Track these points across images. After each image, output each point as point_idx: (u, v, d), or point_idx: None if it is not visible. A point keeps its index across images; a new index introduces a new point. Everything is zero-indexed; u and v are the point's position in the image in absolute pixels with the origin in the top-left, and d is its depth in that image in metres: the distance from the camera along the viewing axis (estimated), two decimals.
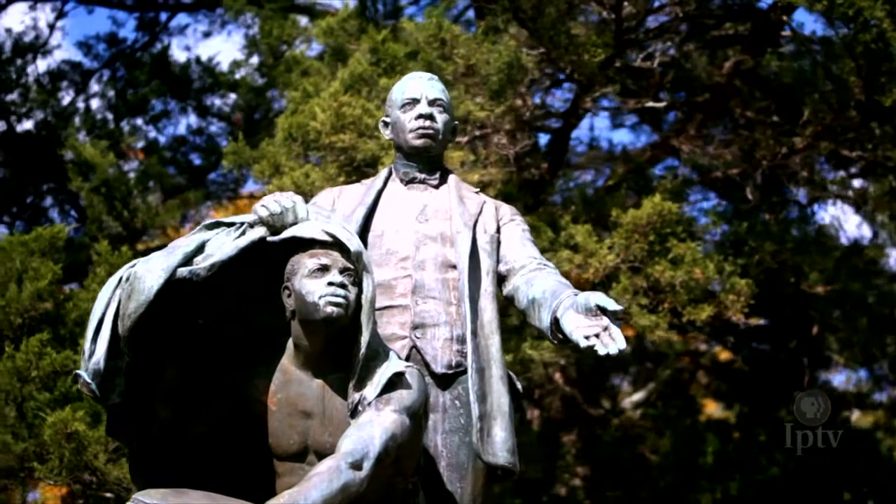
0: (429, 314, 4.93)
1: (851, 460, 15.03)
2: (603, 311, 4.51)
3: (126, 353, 4.29)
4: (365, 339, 4.30)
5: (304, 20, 15.89)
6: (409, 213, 5.14)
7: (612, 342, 4.42)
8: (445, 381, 4.89)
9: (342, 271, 4.33)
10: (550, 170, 12.06)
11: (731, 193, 14.17)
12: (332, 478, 4.01)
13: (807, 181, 13.36)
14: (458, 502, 4.78)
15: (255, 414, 4.44)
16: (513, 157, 11.10)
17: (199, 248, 4.39)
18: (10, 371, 8.91)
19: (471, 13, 14.55)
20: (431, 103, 5.27)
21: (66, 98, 18.29)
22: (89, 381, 4.25)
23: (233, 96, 18.01)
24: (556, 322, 4.69)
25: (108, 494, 8.90)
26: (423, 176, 5.27)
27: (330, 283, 4.29)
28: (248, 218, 4.46)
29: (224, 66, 17.95)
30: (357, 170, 10.05)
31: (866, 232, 15.62)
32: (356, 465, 4.07)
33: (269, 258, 4.43)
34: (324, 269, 4.32)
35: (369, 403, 4.26)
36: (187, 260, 4.32)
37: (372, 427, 4.19)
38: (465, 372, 4.84)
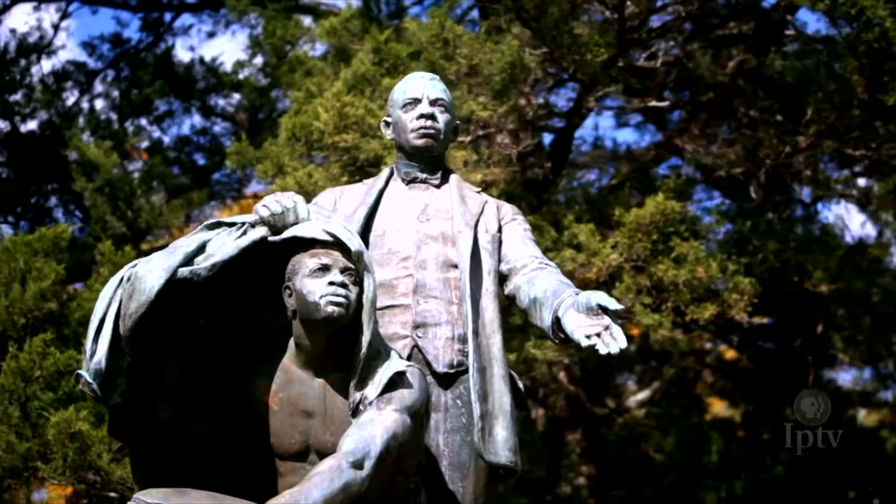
0: (430, 314, 4.94)
1: (856, 459, 15.02)
2: (604, 310, 4.52)
3: (127, 353, 4.29)
4: (366, 338, 4.30)
5: (307, 20, 15.90)
6: (411, 213, 5.15)
7: (614, 341, 4.42)
8: (447, 380, 4.89)
9: (343, 271, 4.34)
10: (554, 169, 12.05)
11: (735, 192, 14.17)
12: (334, 477, 4.02)
13: (810, 180, 13.35)
14: (460, 502, 4.79)
15: (257, 413, 4.45)
16: (516, 156, 11.10)
17: (201, 248, 4.39)
18: (14, 371, 8.92)
19: (475, 13, 14.56)
20: (433, 103, 5.28)
21: (71, 98, 18.31)
22: (90, 380, 4.25)
23: (237, 96, 18.02)
24: (557, 321, 4.70)
25: (112, 494, 8.91)
26: (424, 176, 5.28)
27: (331, 283, 4.30)
28: (249, 218, 4.47)
29: (228, 67, 17.96)
30: (360, 170, 10.06)
31: (870, 231, 15.59)
32: (357, 465, 4.08)
33: (270, 258, 4.44)
34: (325, 268, 4.33)
35: (370, 403, 4.27)
36: (188, 260, 4.33)
37: (373, 426, 4.20)
38: (466, 371, 4.84)
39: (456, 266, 5.00)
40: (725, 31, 13.09)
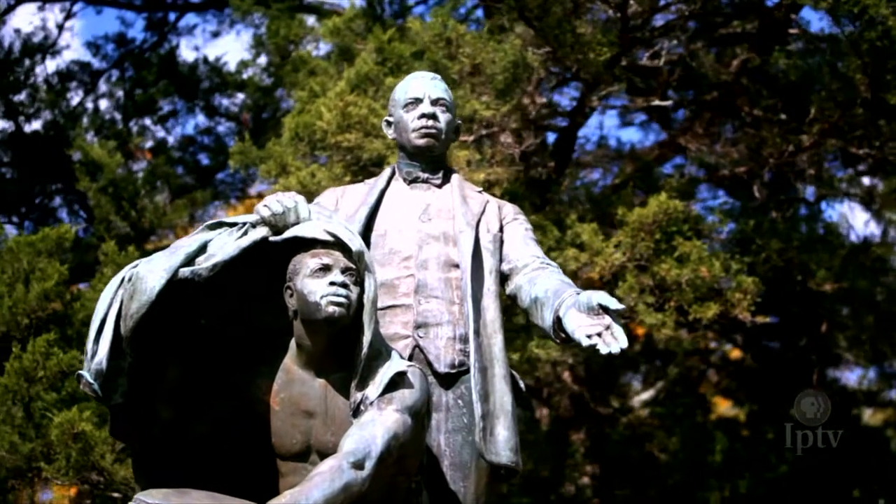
0: (431, 313, 4.94)
1: (861, 458, 15.03)
2: (605, 310, 4.51)
3: (128, 354, 4.30)
4: (367, 338, 4.31)
5: (311, 20, 15.89)
6: (412, 213, 5.15)
7: (615, 341, 4.42)
8: (448, 380, 4.90)
9: (344, 271, 4.35)
10: (557, 169, 12.05)
11: (739, 191, 14.17)
12: (334, 477, 4.03)
13: (814, 179, 13.35)
14: (462, 501, 4.79)
15: (258, 414, 4.45)
16: (519, 156, 11.10)
17: (202, 249, 4.39)
18: (18, 371, 8.92)
19: (480, 12, 14.56)
20: (434, 103, 5.29)
21: (75, 98, 18.31)
22: (92, 381, 4.26)
23: (241, 96, 18.02)
24: (558, 321, 4.70)
25: (116, 494, 8.92)
26: (426, 175, 5.28)
27: (332, 283, 4.30)
28: (250, 218, 4.47)
29: (232, 66, 17.97)
30: (363, 169, 10.06)
31: (874, 229, 15.58)
32: (358, 465, 4.09)
33: (271, 258, 4.44)
34: (325, 268, 4.33)
35: (371, 403, 4.27)
36: (189, 260, 4.33)
37: (374, 426, 4.20)
38: (467, 371, 4.84)
39: (457, 266, 5.00)
40: (729, 30, 13.08)
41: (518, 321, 9.75)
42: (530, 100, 11.33)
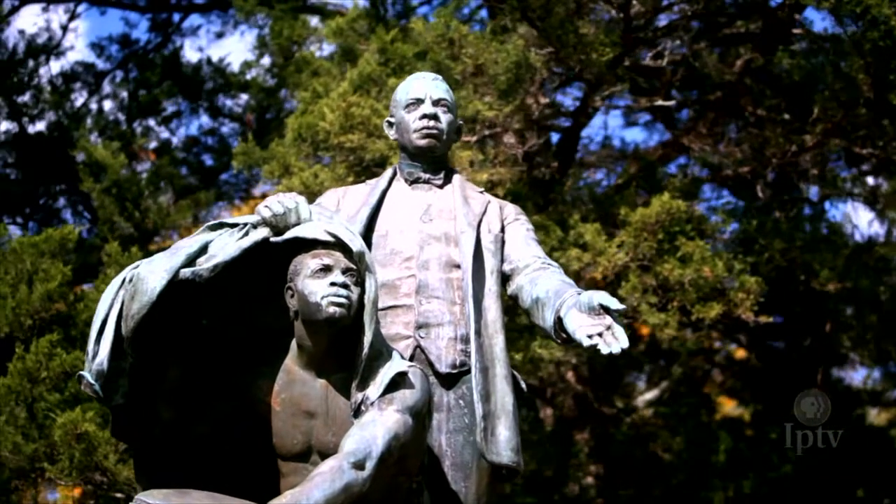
0: (433, 314, 4.94)
1: (865, 458, 15.01)
2: (606, 310, 4.51)
3: (129, 354, 4.30)
4: (368, 339, 4.31)
5: (314, 20, 15.90)
6: (414, 213, 5.15)
7: (615, 341, 4.42)
8: (449, 380, 4.90)
9: (345, 271, 4.35)
10: (560, 169, 12.05)
11: (742, 191, 14.17)
12: (335, 477, 4.03)
13: (818, 179, 13.35)
14: (463, 502, 4.79)
15: (259, 414, 4.46)
16: (522, 156, 11.10)
17: (203, 249, 4.40)
18: (21, 372, 8.94)
19: (483, 13, 14.56)
20: (436, 103, 5.29)
21: (79, 99, 18.34)
22: (93, 381, 4.27)
23: (244, 97, 18.05)
24: (559, 321, 4.70)
25: (119, 495, 8.93)
26: (427, 176, 5.29)
27: (332, 284, 4.31)
28: (251, 219, 4.47)
29: (235, 67, 17.99)
30: (366, 170, 10.06)
31: (878, 229, 15.58)
32: (359, 465, 4.09)
33: (272, 259, 4.45)
34: (326, 269, 4.34)
35: (372, 403, 4.28)
36: (190, 261, 4.34)
37: (375, 427, 4.21)
38: (469, 371, 4.84)
39: (458, 266, 5.00)
40: (732, 30, 13.08)
41: (521, 321, 9.74)
42: (533, 100, 11.33)
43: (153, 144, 17.81)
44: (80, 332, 9.38)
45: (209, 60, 18.13)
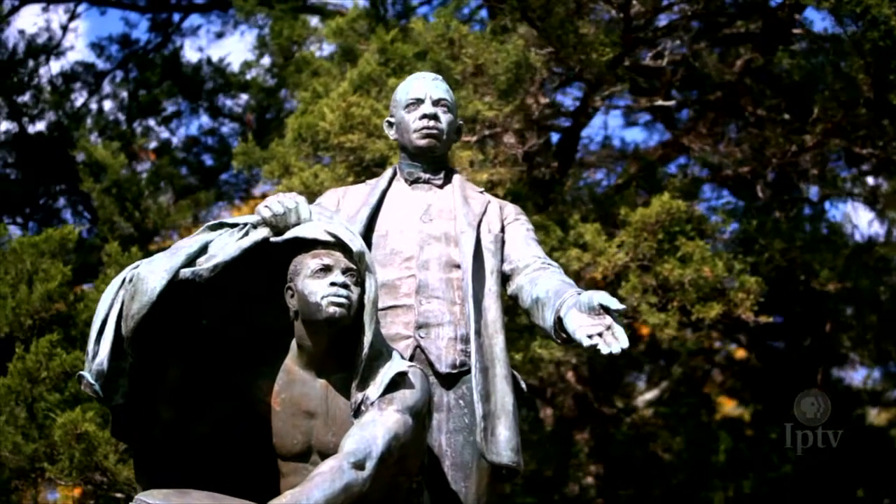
0: (433, 314, 4.94)
1: (865, 458, 15.01)
2: (606, 310, 4.51)
3: (129, 354, 4.30)
4: (368, 339, 4.31)
5: (314, 20, 15.90)
6: (414, 213, 5.16)
7: (615, 341, 4.42)
8: (449, 380, 4.90)
9: (345, 272, 4.35)
10: (560, 169, 12.06)
11: (742, 191, 14.17)
12: (335, 478, 4.03)
13: (818, 179, 13.35)
14: (463, 502, 4.79)
15: (259, 414, 4.46)
16: (522, 156, 11.10)
17: (203, 249, 4.40)
18: (21, 372, 8.94)
19: (484, 13, 14.56)
20: (435, 103, 5.29)
21: (79, 99, 18.35)
22: (93, 381, 4.27)
23: (244, 97, 18.05)
24: (559, 321, 4.70)
25: (119, 495, 8.93)
26: (427, 176, 5.29)
27: (332, 284, 4.31)
28: (251, 219, 4.47)
29: (235, 67, 18.00)
30: (366, 170, 10.06)
31: (878, 229, 15.58)
32: (359, 465, 4.09)
33: (272, 259, 4.45)
34: (326, 269, 4.34)
35: (372, 403, 4.28)
36: (190, 261, 4.34)
37: (375, 427, 4.21)
38: (469, 371, 4.84)
39: (458, 266, 5.00)
40: (732, 30, 13.08)
41: (521, 321, 9.74)
42: (533, 100, 11.33)
43: (153, 144, 17.83)
44: (80, 332, 9.38)
45: (209, 60, 18.15)
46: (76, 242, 10.50)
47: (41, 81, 18.04)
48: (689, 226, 10.46)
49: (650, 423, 17.16)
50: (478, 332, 4.85)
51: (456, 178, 5.35)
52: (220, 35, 19.16)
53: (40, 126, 17.67)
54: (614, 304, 4.50)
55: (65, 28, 18.67)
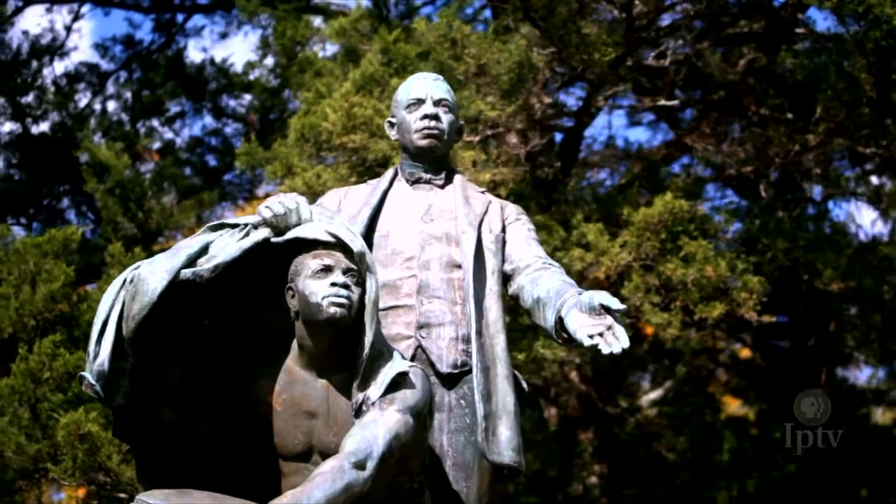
0: (434, 314, 4.94)
1: (870, 457, 15.00)
2: (607, 310, 4.51)
3: (130, 355, 4.31)
4: (368, 339, 4.31)
5: (317, 20, 15.91)
6: (415, 214, 5.16)
7: (616, 341, 4.42)
8: (451, 380, 4.90)
9: (345, 272, 4.35)
10: (563, 169, 12.06)
11: (746, 191, 14.17)
12: (336, 478, 4.03)
13: (821, 178, 13.35)
14: (464, 501, 4.79)
15: (260, 414, 4.46)
16: (524, 156, 11.11)
17: (203, 250, 4.40)
18: (24, 372, 8.94)
19: (487, 13, 14.58)
20: (437, 103, 5.29)
21: (83, 100, 18.37)
22: (94, 382, 4.28)
23: (248, 97, 18.07)
24: (560, 321, 4.69)
25: (122, 495, 8.93)
26: (428, 176, 5.29)
27: (333, 284, 4.31)
28: (252, 219, 4.48)
29: (239, 67, 18.00)
30: (369, 170, 10.06)
31: (882, 228, 15.55)
32: (359, 465, 4.09)
33: (273, 259, 4.45)
34: (327, 269, 4.34)
35: (373, 403, 4.28)
36: (191, 261, 4.34)
37: (376, 427, 4.21)
38: (470, 371, 4.84)
39: (460, 266, 5.00)
40: (735, 30, 13.07)
41: (524, 321, 9.74)
42: (536, 100, 11.33)
43: (157, 145, 17.85)
44: (83, 333, 9.37)
45: (213, 61, 18.17)
46: (79, 243, 10.50)
47: (45, 82, 18.09)
48: (692, 225, 10.46)
49: (654, 423, 17.15)
50: (479, 332, 4.85)
51: (457, 178, 5.35)
52: (223, 35, 19.18)
53: (44, 127, 17.72)
54: (615, 303, 4.51)
55: (68, 29, 18.71)
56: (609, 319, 4.49)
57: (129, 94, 18.39)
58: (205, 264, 4.34)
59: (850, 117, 10.88)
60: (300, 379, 4.44)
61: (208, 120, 18.42)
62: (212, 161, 18.04)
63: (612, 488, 15.90)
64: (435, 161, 5.31)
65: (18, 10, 18.50)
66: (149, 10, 19.29)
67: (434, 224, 5.11)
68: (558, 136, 13.22)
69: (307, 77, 12.97)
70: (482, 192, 5.36)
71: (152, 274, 4.26)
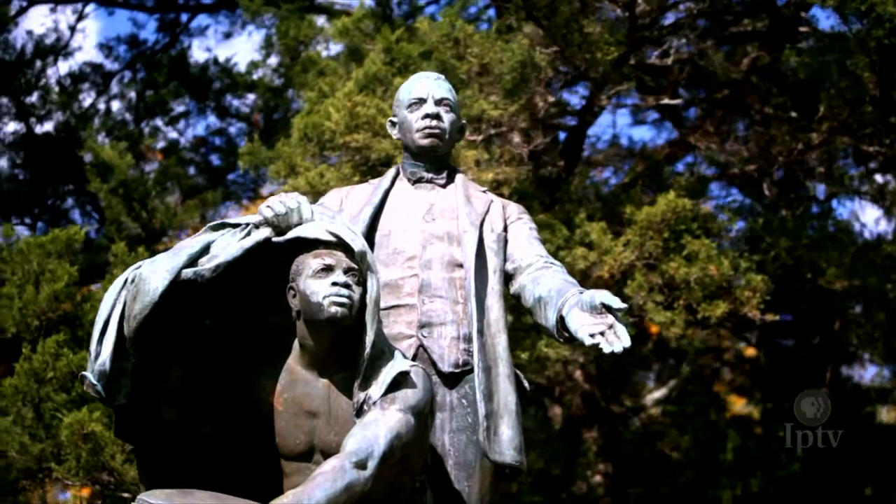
0: (435, 313, 4.94)
1: (874, 456, 14.98)
2: (608, 308, 4.51)
3: (131, 355, 4.31)
4: (370, 338, 4.31)
5: (321, 20, 15.91)
6: (416, 213, 5.16)
7: (618, 340, 4.42)
8: (452, 379, 4.90)
9: (346, 271, 4.35)
10: (566, 168, 12.05)
11: (749, 189, 14.16)
12: (337, 477, 4.03)
13: (825, 176, 13.34)
14: (466, 501, 4.79)
15: (262, 414, 4.46)
16: (527, 155, 11.10)
17: (205, 250, 4.41)
18: (28, 372, 8.94)
19: (491, 12, 14.57)
20: (438, 103, 5.29)
21: (87, 100, 18.39)
22: (95, 382, 4.28)
23: (251, 97, 18.07)
24: (561, 320, 4.70)
25: (126, 495, 8.92)
26: (430, 175, 5.29)
27: (334, 284, 4.31)
28: (253, 219, 4.48)
29: (242, 67, 18.02)
30: (372, 169, 10.06)
31: (885, 226, 15.54)
32: (361, 465, 4.09)
33: (274, 259, 4.45)
34: (328, 269, 4.34)
35: (374, 403, 4.28)
36: (192, 261, 4.34)
37: (377, 426, 4.21)
38: (471, 370, 4.84)
39: (461, 266, 5.00)
40: (739, 29, 13.06)
41: (527, 321, 9.73)
42: (539, 99, 11.33)
43: (161, 144, 17.86)
44: (86, 333, 9.36)
45: (216, 60, 18.18)
46: (83, 243, 10.50)
47: (49, 82, 18.10)
48: (696, 224, 10.46)
49: (658, 422, 17.17)
50: (480, 332, 4.85)
51: (459, 177, 5.35)
52: (227, 35, 19.19)
53: (48, 126, 17.74)
54: (616, 302, 4.51)
55: (73, 29, 18.74)
56: (610, 318, 4.50)
57: (132, 94, 18.42)
58: (206, 264, 4.34)
59: (854, 116, 10.87)
60: (301, 378, 4.44)
61: (212, 119, 18.46)
62: (215, 160, 18.06)
63: (616, 487, 15.91)
64: (436, 160, 5.31)
65: (23, 10, 18.53)
66: (153, 10, 19.32)
67: (436, 223, 5.11)
68: (562, 135, 13.23)
69: (310, 76, 12.97)
70: (484, 192, 5.36)
71: (153, 273, 4.27)
